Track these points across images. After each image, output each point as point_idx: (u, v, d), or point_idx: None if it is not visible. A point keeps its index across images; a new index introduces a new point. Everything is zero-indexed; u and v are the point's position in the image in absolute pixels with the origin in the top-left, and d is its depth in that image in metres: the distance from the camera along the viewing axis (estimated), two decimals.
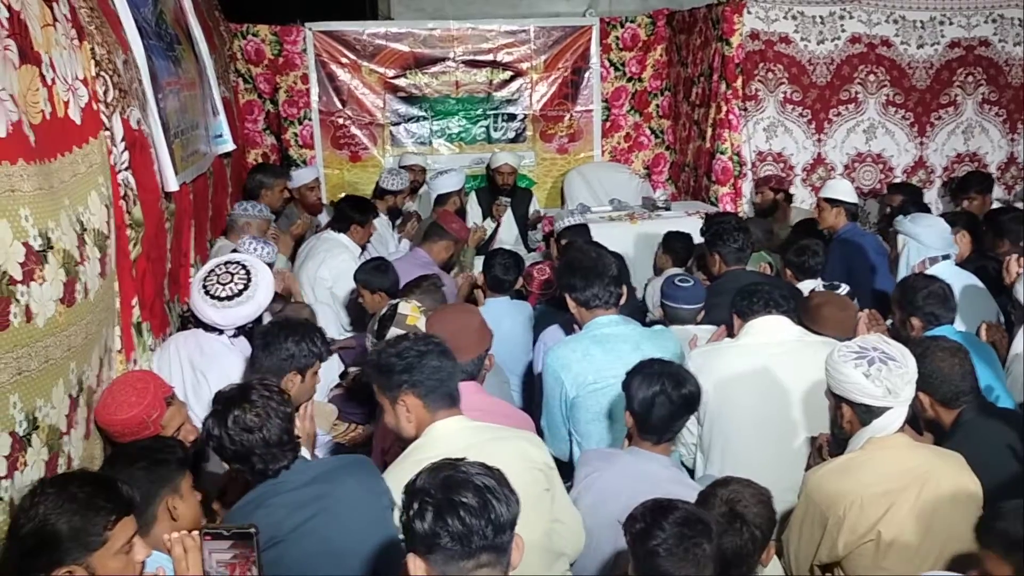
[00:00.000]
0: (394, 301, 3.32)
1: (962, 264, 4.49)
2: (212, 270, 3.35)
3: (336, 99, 7.19)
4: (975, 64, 6.75)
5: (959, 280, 4.03)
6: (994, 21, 6.71)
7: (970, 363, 2.86)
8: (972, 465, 2.54)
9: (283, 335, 2.90)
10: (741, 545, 2.25)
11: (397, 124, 7.32)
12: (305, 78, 7.11)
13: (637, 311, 4.59)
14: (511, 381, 4.03)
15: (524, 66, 7.33)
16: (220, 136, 5.24)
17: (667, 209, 6.25)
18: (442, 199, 6.12)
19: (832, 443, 2.76)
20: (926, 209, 5.39)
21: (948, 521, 2.41)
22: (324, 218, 6.05)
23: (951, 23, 6.66)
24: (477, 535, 1.61)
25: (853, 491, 2.45)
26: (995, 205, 6.05)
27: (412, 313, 3.17)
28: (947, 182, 6.74)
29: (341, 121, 7.24)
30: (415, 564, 1.65)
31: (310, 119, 7.17)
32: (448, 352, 2.48)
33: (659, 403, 2.62)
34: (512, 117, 7.41)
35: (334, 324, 4.78)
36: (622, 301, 3.35)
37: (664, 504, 2.11)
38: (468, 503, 1.62)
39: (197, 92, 4.76)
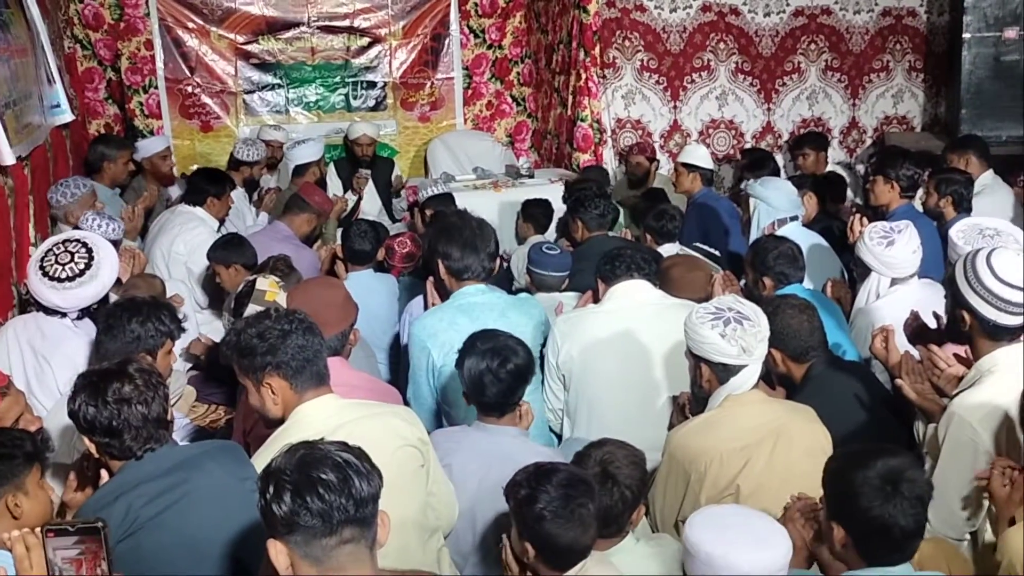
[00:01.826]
0: (251, 277, 3.21)
1: (809, 225, 4.71)
2: (50, 249, 3.14)
3: (184, 66, 6.84)
4: (818, 32, 7.07)
5: (806, 240, 4.22)
6: None
7: (818, 319, 3.00)
8: (822, 416, 2.67)
9: (126, 316, 2.74)
10: (611, 505, 2.30)
11: (251, 92, 7.03)
12: (149, 44, 6.72)
13: (504, 279, 4.60)
14: (378, 355, 3.97)
15: (382, 32, 7.17)
16: (57, 106, 4.91)
17: (530, 177, 6.29)
18: (301, 170, 5.92)
19: (693, 402, 2.84)
20: (776, 173, 5.63)
21: (801, 471, 2.53)
22: (175, 191, 5.77)
23: None
24: (338, 510, 1.58)
25: (713, 447, 2.53)
26: (838, 168, 6.39)
27: (271, 289, 3.06)
28: (787, 142, 7.06)
29: (190, 89, 6.90)
30: (276, 549, 1.61)
31: (156, 87, 6.79)
32: (314, 328, 2.38)
33: (488, 381, 2.59)
34: (372, 85, 7.24)
35: (189, 302, 4.58)
36: (494, 274, 3.36)
37: (546, 467, 2.16)
38: (327, 479, 1.58)
39: (29, 59, 4.44)
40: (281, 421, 2.35)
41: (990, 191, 4.94)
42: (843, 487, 2.03)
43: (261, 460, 2.24)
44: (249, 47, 6.95)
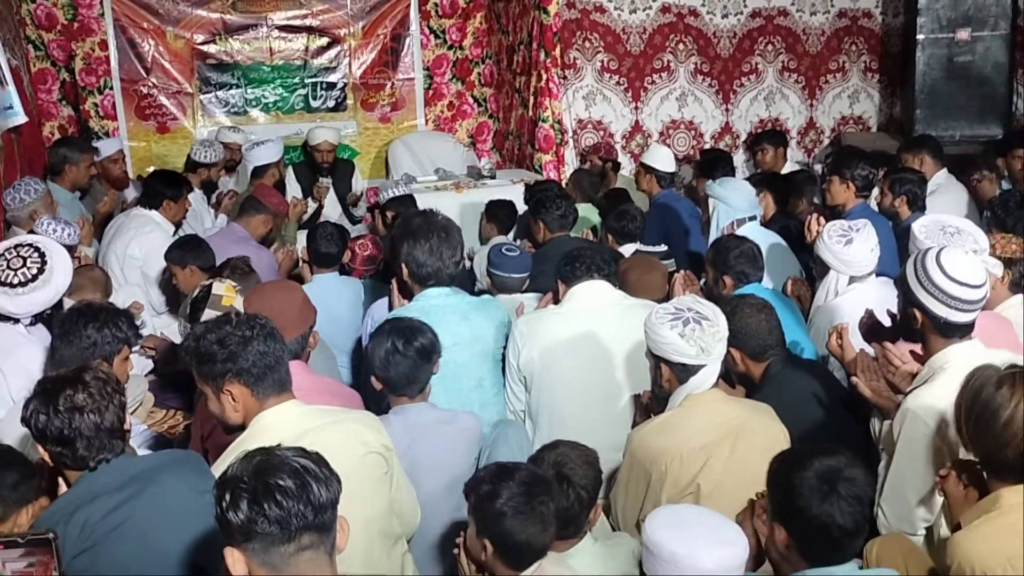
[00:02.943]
0: (207, 281, 3.16)
1: (766, 224, 4.77)
2: (2, 254, 3.08)
3: (139, 67, 6.73)
4: (775, 33, 7.15)
5: (765, 239, 4.27)
6: None
7: (776, 318, 3.04)
8: (780, 414, 2.71)
9: (82, 322, 2.71)
10: (568, 507, 2.32)
11: (208, 93, 6.94)
12: (104, 44, 6.60)
13: (466, 280, 4.60)
14: (340, 359, 3.95)
15: (341, 32, 7.12)
16: (10, 108, 4.81)
17: (492, 178, 6.29)
18: (259, 171, 5.85)
19: (654, 401, 2.86)
20: (731, 173, 5.69)
21: (760, 469, 2.54)
22: (131, 193, 5.69)
23: None
24: (296, 517, 1.56)
25: (674, 447, 2.55)
26: (795, 167, 6.46)
27: (227, 293, 3.02)
28: (745, 141, 7.13)
29: (146, 90, 6.79)
30: (233, 557, 1.59)
31: (111, 88, 6.68)
32: (275, 334, 2.35)
33: (394, 361, 2.70)
34: (331, 85, 7.19)
35: (145, 306, 4.52)
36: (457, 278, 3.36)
37: (507, 466, 2.19)
38: (284, 485, 1.56)
39: None
40: (242, 428, 2.31)
41: (944, 190, 5.04)
42: (783, 488, 2.05)
43: (220, 469, 2.21)
44: (206, 47, 6.86)
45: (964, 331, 2.49)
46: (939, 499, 2.40)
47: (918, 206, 4.41)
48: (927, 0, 6.42)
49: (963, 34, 6.44)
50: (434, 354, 2.79)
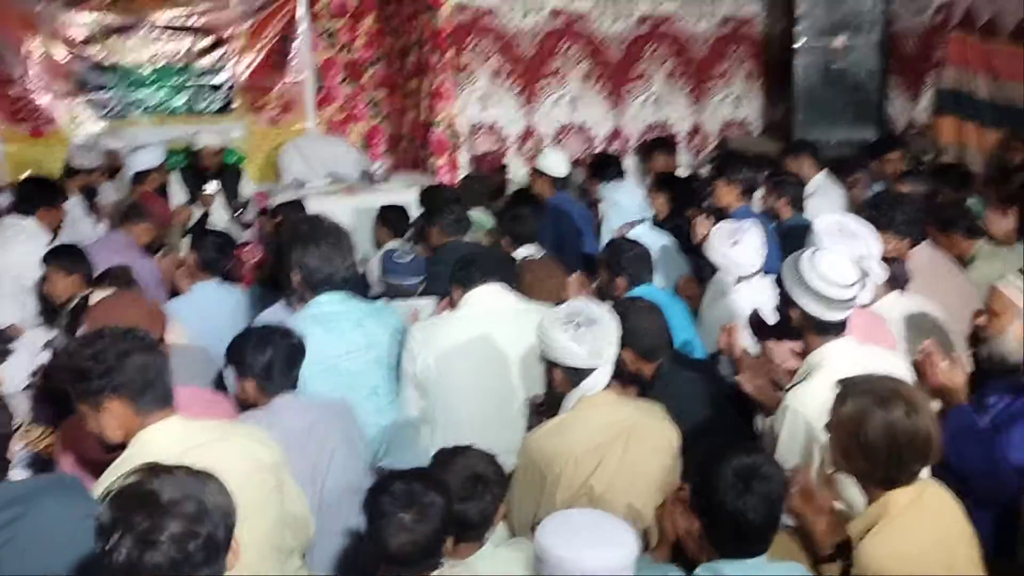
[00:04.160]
0: (84, 292, 3.03)
1: (660, 224, 4.87)
2: None
3: (13, 67, 6.42)
4: (661, 39, 7.31)
5: (657, 241, 4.37)
6: None
7: (663, 319, 3.10)
8: (669, 413, 2.76)
9: None
10: (485, 507, 2.33)
11: (86, 95, 6.66)
12: None
13: (359, 286, 4.54)
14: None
15: (227, 33, 6.93)
16: None
17: (386, 181, 6.24)
18: (141, 177, 5.65)
19: (547, 404, 2.88)
20: (621, 176, 5.79)
21: (651, 468, 2.61)
22: (3, 200, 5.40)
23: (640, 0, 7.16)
24: (185, 556, 1.51)
25: (567, 449, 2.57)
26: (685, 170, 6.63)
27: None
28: (637, 147, 7.28)
29: (19, 92, 6.48)
30: None
31: None
32: (155, 346, 2.27)
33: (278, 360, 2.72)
34: (217, 88, 7.00)
35: (19, 318, 4.30)
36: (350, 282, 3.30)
37: (397, 474, 2.18)
38: (172, 533, 1.51)
39: None
40: (123, 446, 2.22)
41: (824, 191, 5.25)
42: (703, 479, 2.11)
43: (100, 489, 2.12)
44: (85, 48, 6.58)
45: (838, 329, 2.59)
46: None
47: (798, 207, 4.59)
48: (805, 8, 6.69)
49: (839, 41, 6.73)
50: (302, 351, 2.80)
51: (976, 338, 3.12)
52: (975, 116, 7.39)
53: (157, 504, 1.53)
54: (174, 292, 4.34)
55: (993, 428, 2.80)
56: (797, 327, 2.64)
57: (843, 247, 3.05)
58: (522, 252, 4.51)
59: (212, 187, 6.04)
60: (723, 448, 2.17)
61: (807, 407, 2.49)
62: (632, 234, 4.34)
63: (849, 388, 2.21)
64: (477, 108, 6.85)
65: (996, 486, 2.66)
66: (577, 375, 2.64)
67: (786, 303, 2.64)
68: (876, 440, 2.11)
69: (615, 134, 7.31)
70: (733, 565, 2.08)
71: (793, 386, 2.61)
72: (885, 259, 3.32)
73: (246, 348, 2.74)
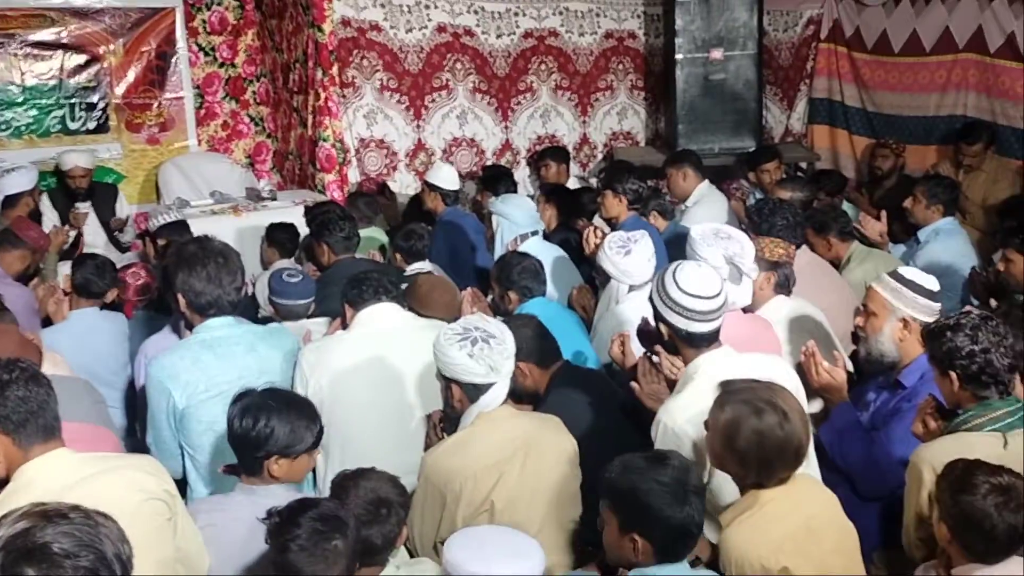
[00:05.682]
0: None
1: (549, 236, 4.92)
2: None
3: None
4: (547, 53, 7.40)
5: (548, 253, 4.41)
6: (561, 13, 7.40)
7: (547, 330, 3.15)
8: (566, 424, 2.78)
9: None
10: (389, 531, 2.30)
11: None
12: None
13: (249, 308, 4.41)
14: (110, 397, 3.67)
15: (100, 49, 6.65)
16: None
17: (273, 199, 6.10)
18: (12, 201, 5.36)
19: (446, 421, 2.86)
20: (512, 189, 5.84)
21: (551, 481, 2.62)
22: None
23: (524, 14, 7.24)
24: None
25: (467, 466, 2.56)
26: (574, 182, 6.72)
27: None
28: (529, 157, 7.35)
29: None
30: None
31: None
32: (38, 377, 2.17)
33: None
34: (92, 106, 6.69)
35: None
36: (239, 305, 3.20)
37: (307, 502, 2.13)
38: None
39: None
40: (4, 482, 2.13)
41: (707, 200, 5.40)
42: (631, 500, 2.14)
43: None
44: None
45: (710, 340, 2.63)
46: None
47: (669, 217, 4.93)
48: (683, 22, 6.88)
49: (716, 54, 6.95)
50: None
51: (856, 337, 3.26)
52: (846, 124, 7.78)
53: (51, 560, 1.42)
54: (48, 321, 4.13)
55: (874, 424, 2.93)
56: (669, 341, 2.67)
57: (717, 249, 3.15)
58: (415, 268, 4.49)
59: (84, 206, 5.80)
60: (646, 461, 2.20)
61: (675, 420, 2.53)
62: (524, 247, 4.37)
63: (728, 395, 2.29)
64: (364, 124, 6.78)
65: (879, 480, 2.78)
66: (475, 391, 2.63)
67: (656, 319, 2.69)
68: (748, 448, 2.20)
69: (505, 147, 7.35)
70: (664, 568, 2.14)
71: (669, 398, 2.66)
72: (776, 264, 3.43)
73: None
